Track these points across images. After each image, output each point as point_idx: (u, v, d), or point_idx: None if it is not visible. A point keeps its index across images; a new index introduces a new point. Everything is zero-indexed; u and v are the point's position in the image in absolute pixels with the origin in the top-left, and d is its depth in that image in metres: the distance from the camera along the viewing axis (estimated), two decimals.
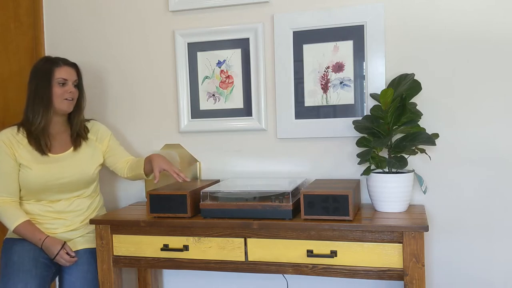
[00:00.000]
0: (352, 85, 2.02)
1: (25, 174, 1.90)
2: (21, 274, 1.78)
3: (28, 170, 1.90)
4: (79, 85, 2.01)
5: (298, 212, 1.77)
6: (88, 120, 2.11)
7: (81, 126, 2.03)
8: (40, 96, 1.91)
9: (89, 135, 2.06)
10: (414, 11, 1.94)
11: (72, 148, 1.99)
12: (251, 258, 1.77)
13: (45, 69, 1.93)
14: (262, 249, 1.75)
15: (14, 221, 1.87)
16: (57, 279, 2.01)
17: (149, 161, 2.00)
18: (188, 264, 1.83)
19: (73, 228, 1.98)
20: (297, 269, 1.73)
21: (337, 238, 1.68)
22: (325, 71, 2.04)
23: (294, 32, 2.06)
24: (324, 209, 1.68)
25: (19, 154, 1.90)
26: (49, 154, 1.94)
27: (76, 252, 1.94)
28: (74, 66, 1.99)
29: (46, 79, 1.91)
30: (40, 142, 1.91)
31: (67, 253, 1.89)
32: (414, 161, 1.96)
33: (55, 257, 1.87)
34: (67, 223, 1.97)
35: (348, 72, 2.02)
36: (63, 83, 1.93)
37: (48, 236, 1.89)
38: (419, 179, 1.87)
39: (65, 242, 1.90)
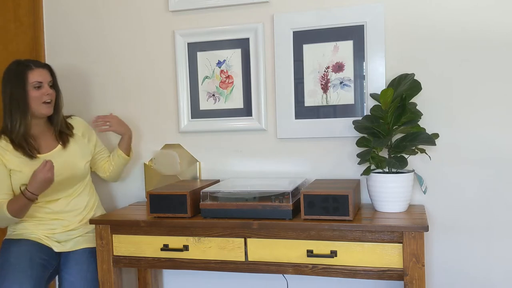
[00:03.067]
0: (352, 85, 2.02)
1: (18, 179, 1.88)
2: (17, 275, 1.78)
3: (20, 174, 1.87)
4: (54, 85, 1.97)
5: (298, 212, 1.77)
6: (69, 116, 2.10)
7: (62, 124, 2.01)
8: (16, 102, 1.86)
9: (74, 131, 2.05)
10: (414, 11, 1.94)
11: (60, 146, 1.98)
12: (251, 258, 1.77)
13: (18, 73, 1.87)
14: (262, 249, 1.75)
15: (4, 208, 1.82)
16: (56, 278, 2.01)
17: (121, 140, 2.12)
18: (188, 264, 1.83)
19: (71, 228, 1.98)
20: (297, 269, 1.73)
21: (337, 238, 1.68)
22: (325, 71, 2.04)
23: (294, 32, 2.05)
24: (324, 209, 1.68)
25: (7, 160, 1.87)
26: (38, 155, 1.92)
27: (76, 251, 1.94)
28: (46, 67, 1.95)
29: (21, 84, 1.86)
30: (25, 147, 1.88)
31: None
32: (414, 161, 1.96)
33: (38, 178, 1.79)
34: (65, 223, 1.97)
35: (348, 72, 2.02)
36: (39, 86, 1.89)
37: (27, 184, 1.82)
38: (419, 179, 1.87)
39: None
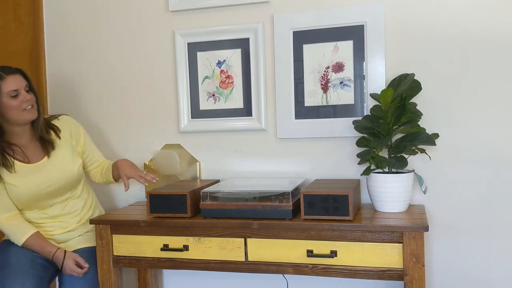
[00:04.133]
0: (352, 85, 2.02)
1: (11, 191, 1.85)
2: (18, 275, 1.77)
3: (13, 187, 1.84)
4: (31, 88, 1.85)
5: (298, 212, 1.77)
6: (56, 117, 2.00)
7: (42, 129, 1.88)
8: None
9: (61, 134, 1.95)
10: (414, 11, 1.94)
11: (46, 156, 1.90)
12: (251, 258, 1.77)
13: None
14: (262, 249, 1.75)
15: (20, 237, 1.85)
16: (56, 279, 2.01)
17: (116, 168, 2.00)
18: (188, 264, 1.83)
19: (70, 229, 1.97)
20: (297, 269, 1.73)
21: (337, 238, 1.68)
22: (325, 71, 2.04)
23: (294, 32, 2.05)
24: (324, 209, 1.68)
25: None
26: (28, 164, 1.87)
27: (76, 251, 1.94)
28: (19, 71, 1.82)
29: None
30: (8, 160, 1.81)
31: (78, 264, 1.88)
32: (414, 161, 1.96)
33: (62, 267, 1.86)
34: (63, 225, 1.96)
35: (348, 72, 2.02)
36: (16, 95, 1.77)
37: (59, 248, 1.87)
38: (419, 179, 1.87)
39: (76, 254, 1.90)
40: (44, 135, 1.90)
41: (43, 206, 1.93)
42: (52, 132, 1.94)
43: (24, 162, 1.87)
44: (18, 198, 1.87)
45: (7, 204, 1.86)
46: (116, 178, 2.03)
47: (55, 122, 1.98)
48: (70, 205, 1.98)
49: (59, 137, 1.95)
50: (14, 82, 1.78)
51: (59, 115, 2.03)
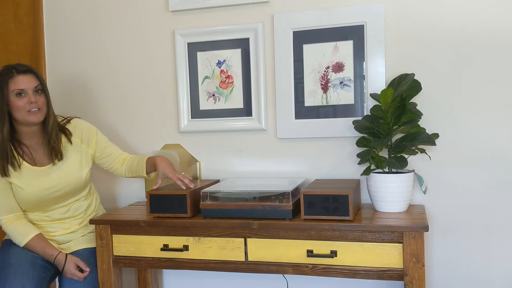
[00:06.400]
0: (352, 85, 2.02)
1: (17, 193, 1.84)
2: (18, 276, 1.77)
3: (19, 189, 1.83)
4: (43, 90, 1.81)
5: (298, 212, 1.77)
6: (69, 121, 1.96)
7: (52, 134, 1.84)
8: None
9: (72, 138, 1.92)
10: (414, 11, 1.94)
11: (56, 160, 1.86)
12: (251, 258, 1.77)
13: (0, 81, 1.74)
14: (262, 249, 1.75)
15: (22, 238, 1.85)
16: (56, 280, 2.01)
17: (152, 164, 1.98)
18: (188, 264, 1.83)
19: (72, 231, 1.97)
20: (297, 269, 1.73)
21: (337, 238, 1.68)
22: (325, 71, 2.04)
23: (294, 32, 2.05)
24: (324, 209, 1.68)
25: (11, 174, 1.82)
26: (35, 167, 1.85)
27: (76, 252, 1.94)
28: (31, 72, 1.78)
29: (0, 93, 1.72)
30: (16, 159, 1.79)
31: (79, 268, 1.88)
32: (414, 161, 1.96)
33: (63, 270, 1.86)
34: (65, 226, 1.96)
35: (348, 72, 2.02)
36: (20, 93, 1.74)
37: (60, 252, 1.87)
38: (419, 179, 1.87)
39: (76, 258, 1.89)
40: (54, 141, 1.85)
41: (46, 209, 1.93)
42: (63, 137, 1.91)
43: (31, 164, 1.86)
44: (23, 200, 1.87)
45: (11, 205, 1.86)
46: (149, 173, 2.01)
47: (67, 125, 1.95)
48: (74, 208, 1.98)
49: (70, 142, 1.92)
50: (22, 82, 1.75)
51: (71, 118, 1.98)
